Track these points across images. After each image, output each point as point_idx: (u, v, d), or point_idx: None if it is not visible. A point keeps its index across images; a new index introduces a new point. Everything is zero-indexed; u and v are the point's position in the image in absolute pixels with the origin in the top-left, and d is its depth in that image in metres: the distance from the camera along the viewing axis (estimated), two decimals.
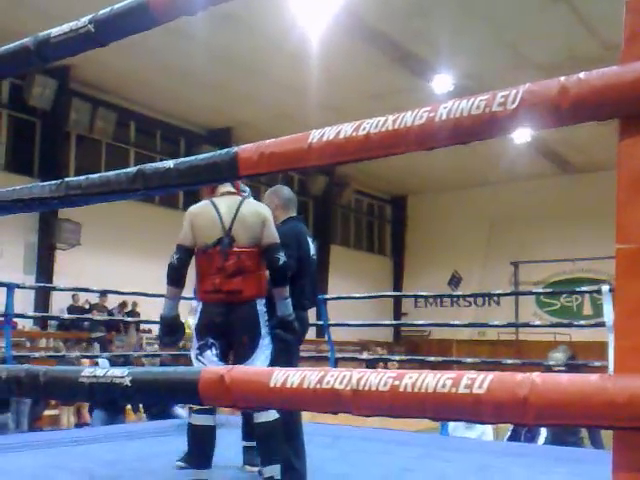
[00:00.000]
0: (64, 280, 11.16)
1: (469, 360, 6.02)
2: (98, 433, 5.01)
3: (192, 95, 13.20)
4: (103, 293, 11.74)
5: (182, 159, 1.23)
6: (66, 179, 1.36)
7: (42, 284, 11.53)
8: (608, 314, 4.46)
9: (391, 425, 4.83)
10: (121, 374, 1.09)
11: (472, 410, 0.78)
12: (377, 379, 0.84)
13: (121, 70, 12.11)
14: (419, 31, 10.83)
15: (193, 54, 11.05)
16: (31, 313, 10.10)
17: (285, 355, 3.03)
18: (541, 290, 14.84)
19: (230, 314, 2.86)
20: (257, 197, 3.28)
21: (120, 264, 12.92)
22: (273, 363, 2.89)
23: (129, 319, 11.78)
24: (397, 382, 0.82)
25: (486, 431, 5.42)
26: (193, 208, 3.06)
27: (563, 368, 4.88)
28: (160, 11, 1.23)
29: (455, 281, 20.71)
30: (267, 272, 2.99)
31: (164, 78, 12.51)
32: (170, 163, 1.21)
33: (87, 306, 12.65)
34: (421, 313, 19.56)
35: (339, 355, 6.87)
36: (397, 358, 8.18)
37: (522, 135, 14.49)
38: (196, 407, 2.87)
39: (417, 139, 0.91)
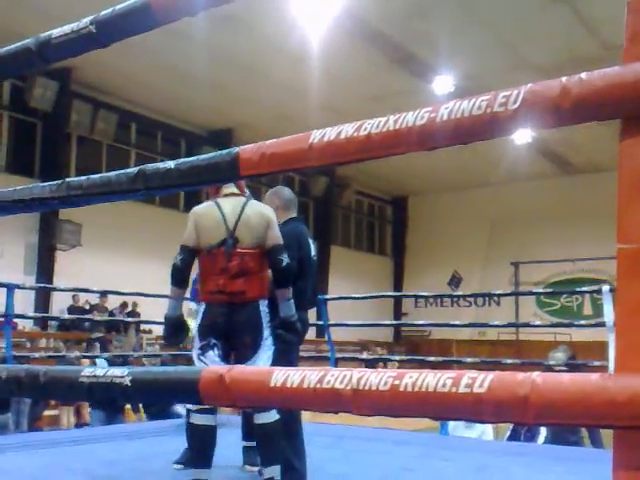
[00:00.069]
0: (64, 281, 11.17)
1: (469, 360, 6.02)
2: (98, 433, 5.01)
3: (193, 96, 13.21)
4: (103, 293, 11.74)
5: (183, 159, 1.23)
6: (67, 179, 1.36)
7: (42, 285, 11.53)
8: (608, 314, 4.46)
9: (391, 425, 4.83)
10: (121, 374, 1.09)
11: (473, 409, 0.78)
12: (377, 379, 0.84)
13: (122, 72, 12.12)
14: (419, 32, 10.83)
15: (194, 55, 11.06)
16: (31, 314, 10.10)
17: (286, 355, 3.03)
18: (541, 290, 14.84)
19: (233, 315, 2.86)
20: (257, 198, 3.28)
21: (120, 265, 12.92)
22: (274, 363, 2.90)
23: (129, 319, 11.78)
24: (397, 381, 0.82)
25: (486, 431, 5.42)
26: (197, 209, 3.06)
27: (564, 368, 4.88)
28: (162, 12, 1.23)
29: (455, 281, 20.72)
30: (270, 273, 3.00)
31: (165, 79, 12.52)
32: (171, 163, 1.21)
33: (87, 307, 12.66)
34: (421, 313, 19.57)
35: (339, 355, 6.87)
36: (397, 358, 8.18)
37: (523, 136, 14.50)
38: (197, 407, 2.88)
39: (418, 139, 0.92)
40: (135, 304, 12.83)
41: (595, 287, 5.32)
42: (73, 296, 12.35)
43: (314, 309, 4.93)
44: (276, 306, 3.00)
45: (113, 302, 12.69)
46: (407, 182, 19.92)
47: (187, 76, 12.21)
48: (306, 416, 3.61)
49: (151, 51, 10.96)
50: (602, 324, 4.64)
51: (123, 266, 12.89)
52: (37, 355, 6.85)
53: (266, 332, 2.92)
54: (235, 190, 3.08)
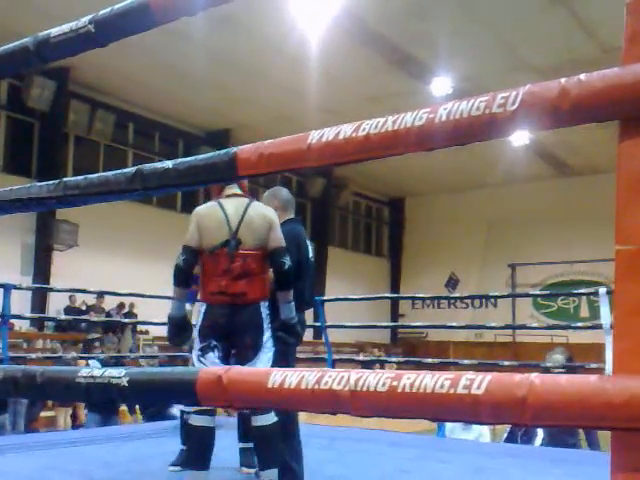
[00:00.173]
0: (61, 281, 11.16)
1: (466, 362, 6.02)
2: (94, 434, 5.00)
3: (191, 97, 13.20)
4: (100, 294, 11.72)
5: (181, 159, 1.22)
6: (64, 179, 1.36)
7: (39, 285, 11.51)
8: (605, 316, 4.47)
9: (388, 426, 4.83)
10: (118, 374, 1.09)
11: (470, 411, 0.78)
12: (375, 380, 0.84)
13: (120, 71, 12.11)
14: (418, 34, 10.84)
15: (192, 56, 11.06)
16: (28, 314, 10.07)
17: (285, 357, 3.03)
18: (538, 292, 14.86)
19: (234, 316, 2.85)
20: (255, 199, 3.27)
21: (117, 265, 12.91)
22: (274, 365, 2.89)
23: (126, 320, 11.76)
24: (395, 382, 0.82)
25: (483, 432, 5.42)
26: (199, 209, 3.05)
27: (562, 370, 4.88)
28: (160, 11, 1.22)
29: (452, 283, 20.73)
30: (271, 275, 2.99)
31: (163, 80, 12.51)
32: (169, 163, 1.21)
33: (84, 307, 12.63)
34: (418, 315, 19.58)
35: (336, 357, 6.87)
36: (394, 360, 8.17)
37: (520, 138, 14.53)
38: (195, 408, 2.87)
39: (417, 140, 0.91)
40: (132, 305, 12.82)
41: (592, 289, 5.33)
42: (70, 297, 12.33)
43: (311, 310, 4.93)
44: (276, 308, 3.00)
45: (110, 303, 12.67)
46: (404, 183, 19.94)
47: (185, 76, 12.20)
48: (302, 417, 3.60)
49: (149, 51, 10.96)
50: (599, 326, 4.65)
51: (120, 266, 12.88)
52: (34, 356, 6.83)
53: (267, 334, 2.92)
54: (238, 191, 3.07)
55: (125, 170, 1.26)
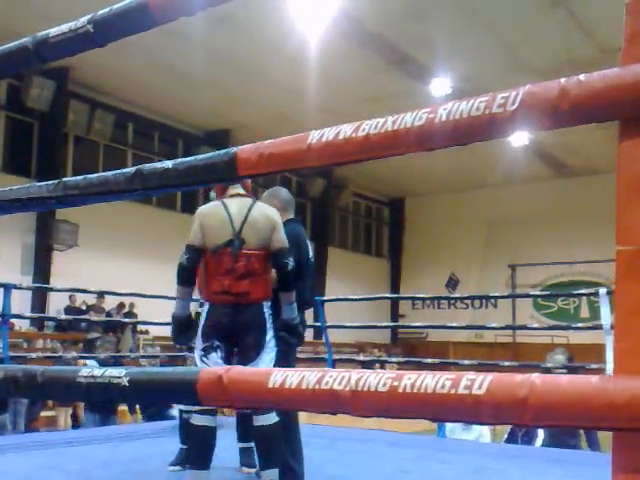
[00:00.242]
0: (61, 281, 11.15)
1: (466, 362, 6.02)
2: (94, 434, 5.00)
3: (190, 97, 13.20)
4: (100, 294, 11.72)
5: (181, 159, 1.22)
6: (64, 179, 1.36)
7: (39, 285, 11.51)
8: (605, 317, 4.47)
9: (388, 427, 4.83)
10: (119, 374, 1.09)
11: (471, 411, 0.78)
12: (376, 380, 0.84)
13: (119, 72, 12.11)
14: (417, 34, 10.84)
15: (191, 56, 11.06)
16: (28, 314, 10.07)
17: (286, 357, 3.03)
18: (538, 293, 14.86)
19: (238, 315, 2.85)
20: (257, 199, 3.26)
21: (117, 265, 12.91)
22: (275, 365, 2.89)
23: (126, 320, 11.76)
24: (396, 383, 0.82)
25: (483, 433, 5.41)
26: (203, 208, 3.04)
27: (564, 371, 4.88)
28: (159, 11, 1.22)
29: (452, 283, 20.73)
30: (273, 275, 2.99)
31: (162, 80, 12.51)
32: (169, 163, 1.21)
33: (84, 307, 12.63)
34: (418, 315, 19.58)
35: (336, 357, 6.87)
36: (394, 360, 8.17)
37: (520, 138, 14.52)
38: (197, 407, 2.86)
39: (417, 140, 0.91)
40: (132, 305, 12.82)
41: (592, 290, 5.33)
42: (70, 296, 12.33)
43: (311, 310, 4.93)
44: (277, 308, 3.00)
45: (110, 303, 12.67)
46: (404, 184, 19.94)
47: (184, 76, 12.20)
48: (302, 417, 3.60)
49: (148, 51, 10.95)
50: (599, 327, 4.64)
51: (120, 266, 12.88)
52: (34, 355, 6.82)
53: (270, 333, 2.92)
54: (241, 191, 3.07)
55: (125, 170, 1.26)
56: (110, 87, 13.04)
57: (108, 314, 12.53)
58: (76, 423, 8.33)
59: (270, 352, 2.91)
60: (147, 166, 1.24)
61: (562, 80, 0.82)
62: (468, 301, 19.59)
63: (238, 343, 2.90)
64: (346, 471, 3.69)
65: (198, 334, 2.93)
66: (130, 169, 1.25)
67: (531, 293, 14.63)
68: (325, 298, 6.59)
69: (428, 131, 0.90)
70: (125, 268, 12.87)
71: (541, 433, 4.78)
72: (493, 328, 12.38)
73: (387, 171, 17.37)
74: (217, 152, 1.15)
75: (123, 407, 7.94)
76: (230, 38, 10.80)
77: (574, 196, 18.14)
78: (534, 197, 18.63)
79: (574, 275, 18.54)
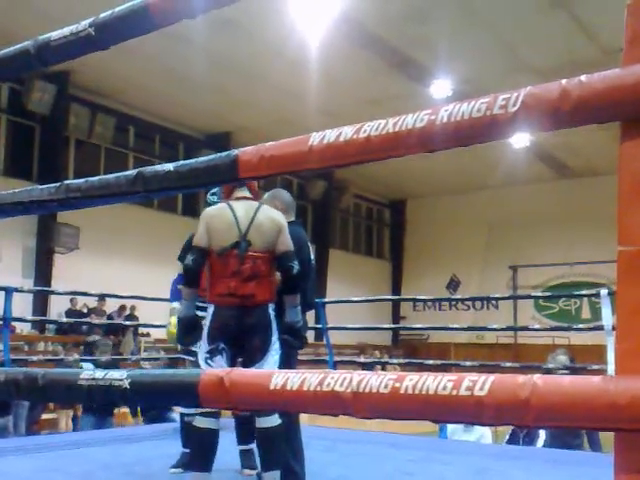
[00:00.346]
0: (62, 284, 11.13)
1: (468, 363, 6.02)
2: (95, 437, 4.99)
3: (191, 100, 13.21)
4: (101, 297, 11.73)
5: (182, 162, 1.22)
6: (66, 182, 1.36)
7: (40, 288, 11.50)
8: (606, 317, 4.46)
9: (390, 428, 4.83)
10: (120, 377, 1.09)
11: (473, 412, 0.78)
12: (378, 381, 0.84)
13: (120, 75, 12.12)
14: (418, 36, 10.85)
15: (192, 59, 11.06)
16: (29, 317, 10.08)
17: (288, 360, 3.03)
18: (539, 294, 14.84)
19: (243, 317, 2.84)
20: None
21: (119, 268, 12.91)
22: (279, 368, 2.89)
23: (127, 322, 11.76)
24: (398, 384, 0.82)
25: (485, 434, 5.40)
26: (209, 210, 3.04)
27: (566, 372, 4.87)
28: (160, 15, 1.23)
29: (454, 285, 20.72)
30: (277, 277, 2.99)
31: (163, 83, 12.52)
32: (170, 166, 1.21)
33: (85, 310, 12.63)
34: (419, 317, 19.56)
35: (337, 358, 6.87)
36: (396, 361, 8.17)
37: (521, 139, 14.52)
38: (200, 410, 2.86)
39: (418, 142, 0.92)
40: (133, 307, 12.81)
41: (593, 290, 5.33)
42: (71, 299, 12.32)
43: (312, 312, 4.93)
44: (281, 311, 2.99)
45: (111, 305, 12.67)
46: (405, 185, 19.94)
47: (185, 79, 12.21)
48: (304, 419, 3.60)
49: (149, 54, 10.97)
50: (600, 327, 4.64)
51: (121, 269, 12.88)
52: (35, 358, 6.83)
53: (274, 336, 2.91)
54: (247, 194, 3.07)
55: (126, 172, 1.26)
56: (111, 90, 13.05)
57: (109, 317, 12.53)
58: (77, 426, 8.32)
59: (275, 354, 2.91)
60: (149, 168, 1.24)
61: (563, 81, 0.82)
62: (469, 302, 19.58)
63: (244, 345, 2.89)
64: (348, 473, 3.69)
65: (203, 336, 2.92)
66: (132, 172, 1.25)
67: (532, 294, 14.62)
68: (326, 300, 6.59)
69: (429, 133, 0.90)
70: (126, 271, 12.87)
71: (543, 434, 4.77)
72: (494, 329, 12.39)
73: (388, 173, 17.36)
74: (218, 154, 1.16)
75: (125, 409, 7.93)
76: (231, 41, 10.81)
77: (575, 197, 18.14)
78: (535, 198, 18.62)
79: (575, 276, 18.52)
